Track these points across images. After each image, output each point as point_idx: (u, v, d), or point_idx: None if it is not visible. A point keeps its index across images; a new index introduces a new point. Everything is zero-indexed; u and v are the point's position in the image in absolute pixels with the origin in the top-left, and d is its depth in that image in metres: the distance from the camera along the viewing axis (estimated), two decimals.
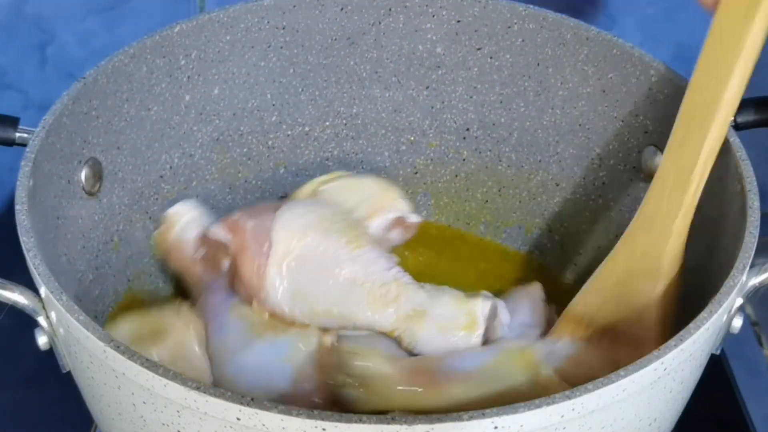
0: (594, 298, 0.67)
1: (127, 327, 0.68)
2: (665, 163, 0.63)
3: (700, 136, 0.61)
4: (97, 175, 0.71)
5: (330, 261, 0.68)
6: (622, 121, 0.76)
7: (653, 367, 0.52)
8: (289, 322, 0.67)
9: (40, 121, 0.65)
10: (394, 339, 0.68)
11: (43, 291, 0.57)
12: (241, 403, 0.49)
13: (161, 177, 0.77)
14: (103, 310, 0.73)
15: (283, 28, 0.78)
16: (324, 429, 0.48)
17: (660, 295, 0.63)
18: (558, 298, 0.73)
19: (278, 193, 0.84)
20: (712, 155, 0.62)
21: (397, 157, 0.85)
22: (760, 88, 0.93)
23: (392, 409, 0.62)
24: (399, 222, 0.75)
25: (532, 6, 0.77)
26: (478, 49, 0.80)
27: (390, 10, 0.80)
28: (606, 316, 0.66)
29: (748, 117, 0.73)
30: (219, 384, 0.64)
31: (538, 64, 0.79)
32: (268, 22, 0.78)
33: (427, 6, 0.80)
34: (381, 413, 0.61)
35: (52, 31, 0.93)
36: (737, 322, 0.61)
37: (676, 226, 0.63)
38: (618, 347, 0.64)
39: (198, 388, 0.49)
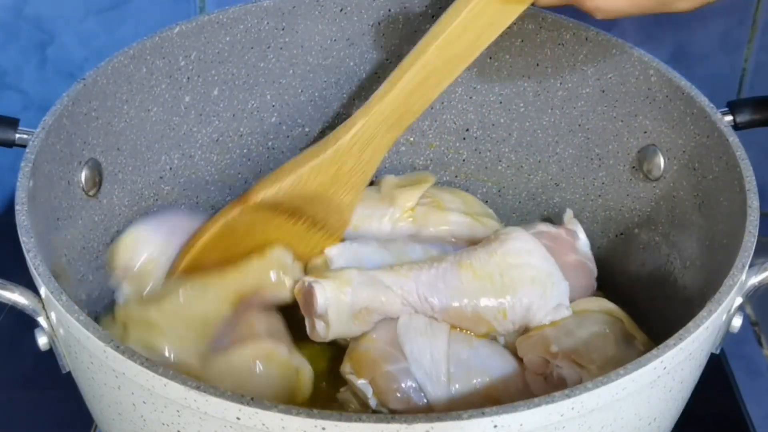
0: (288, 191, 0.72)
1: None
2: (385, 91, 0.72)
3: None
4: (97, 176, 0.71)
5: None
6: (622, 121, 0.76)
7: (653, 366, 0.52)
8: None
9: (40, 122, 0.65)
10: None
11: (43, 291, 0.57)
12: (241, 403, 0.49)
13: (161, 178, 0.77)
14: (103, 311, 0.73)
15: (283, 29, 0.78)
16: (324, 428, 0.48)
17: (355, 203, 0.76)
18: None
19: None
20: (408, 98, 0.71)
21: (396, 157, 0.85)
22: (760, 88, 0.93)
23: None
24: None
25: (531, 6, 0.77)
26: None
27: (389, 11, 0.80)
28: (294, 203, 0.73)
29: (748, 117, 0.73)
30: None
31: (538, 65, 0.79)
32: (268, 23, 0.78)
33: (426, 7, 0.80)
34: None
35: (52, 32, 0.93)
36: (737, 322, 0.62)
37: (381, 150, 0.74)
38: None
39: (198, 388, 0.49)
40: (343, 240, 0.77)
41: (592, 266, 0.76)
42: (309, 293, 0.69)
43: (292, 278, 0.72)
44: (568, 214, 0.78)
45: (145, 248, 0.71)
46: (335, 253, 0.74)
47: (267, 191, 0.72)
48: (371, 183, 0.78)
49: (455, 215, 0.78)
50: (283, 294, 0.72)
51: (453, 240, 0.77)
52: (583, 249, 0.75)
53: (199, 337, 0.67)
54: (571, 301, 0.71)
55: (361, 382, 0.66)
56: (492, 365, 0.67)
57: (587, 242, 0.76)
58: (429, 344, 0.67)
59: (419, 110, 0.73)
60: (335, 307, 0.68)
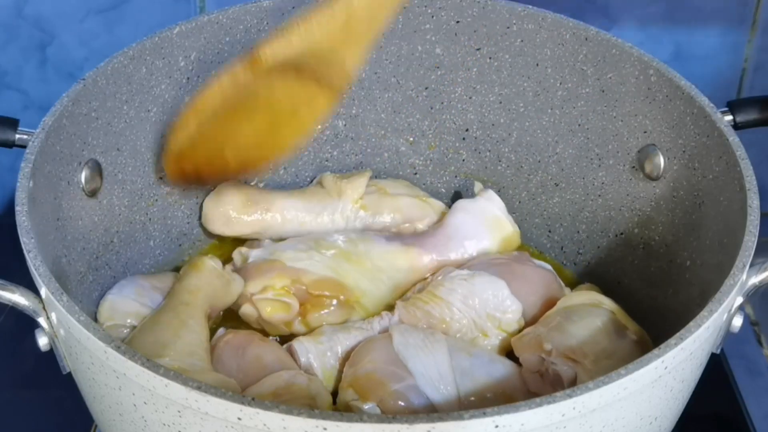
0: (290, 48, 0.68)
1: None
2: None
3: None
4: (97, 176, 0.71)
5: None
6: (621, 120, 0.76)
7: (654, 365, 0.52)
8: None
9: (40, 123, 0.65)
10: None
11: (43, 292, 0.57)
12: (242, 403, 0.49)
13: (161, 178, 0.77)
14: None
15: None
16: (325, 428, 0.48)
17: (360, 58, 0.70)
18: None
19: None
20: None
21: (396, 158, 0.85)
22: (760, 88, 0.94)
23: None
24: None
25: (530, 6, 0.77)
26: (477, 49, 0.80)
27: None
28: (297, 60, 0.68)
29: (748, 117, 0.73)
30: None
31: (537, 65, 0.79)
32: (268, 24, 0.78)
33: (426, 7, 0.80)
34: None
35: (52, 31, 0.93)
36: (737, 321, 0.62)
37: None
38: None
39: (199, 388, 0.49)
40: (341, 96, 0.73)
41: (552, 271, 0.76)
42: (291, 352, 0.70)
43: (231, 279, 0.72)
44: (478, 186, 0.80)
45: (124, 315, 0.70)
46: (255, 252, 0.75)
47: (276, 44, 0.68)
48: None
49: (405, 199, 0.80)
50: (232, 297, 0.72)
51: (407, 226, 0.80)
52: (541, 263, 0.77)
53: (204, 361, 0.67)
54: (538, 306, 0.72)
55: (368, 407, 0.64)
56: (494, 370, 0.66)
57: (501, 203, 0.78)
58: (432, 358, 0.66)
59: None
60: (319, 360, 0.69)
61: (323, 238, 0.76)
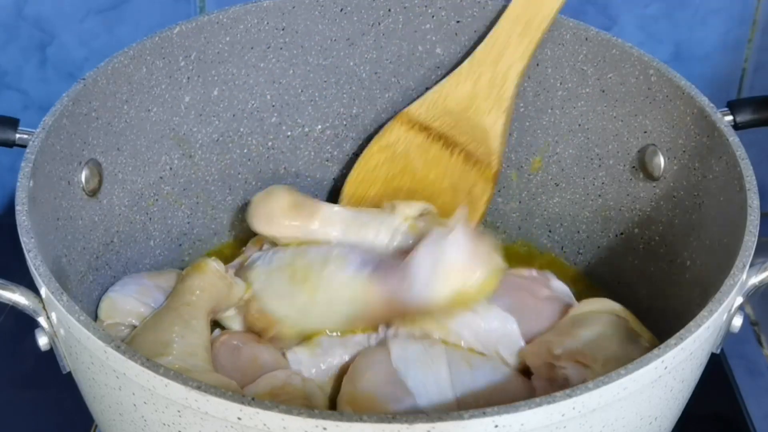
0: (433, 108, 0.79)
1: None
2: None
3: None
4: (97, 176, 0.71)
5: None
6: (622, 120, 0.76)
7: (654, 365, 0.52)
8: None
9: (40, 123, 0.65)
10: None
11: (43, 291, 0.57)
12: (242, 403, 0.49)
13: (161, 178, 0.77)
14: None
15: (283, 29, 0.78)
16: (325, 428, 0.48)
17: (504, 124, 0.77)
18: None
19: None
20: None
21: None
22: (760, 88, 0.94)
23: None
24: None
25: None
26: None
27: (389, 10, 0.80)
28: (443, 126, 0.78)
29: (748, 117, 0.73)
30: None
31: (538, 65, 0.79)
32: (268, 23, 0.78)
33: (426, 7, 0.80)
34: None
35: (52, 31, 0.93)
36: (737, 321, 0.62)
37: (518, 63, 0.76)
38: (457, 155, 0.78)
39: (199, 388, 0.49)
40: (496, 180, 0.79)
41: (569, 300, 0.73)
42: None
43: (233, 282, 0.71)
44: (457, 215, 0.69)
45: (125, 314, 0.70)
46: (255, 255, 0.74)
47: (412, 106, 0.79)
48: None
49: None
50: (234, 300, 0.71)
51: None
52: (560, 287, 0.74)
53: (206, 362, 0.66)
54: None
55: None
56: (494, 382, 0.65)
57: (468, 246, 0.68)
58: (431, 373, 0.64)
59: (549, 12, 0.75)
60: (312, 371, 0.68)
61: (301, 254, 0.73)
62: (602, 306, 0.70)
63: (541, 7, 0.75)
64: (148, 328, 0.67)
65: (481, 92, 0.77)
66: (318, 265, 0.70)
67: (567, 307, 0.71)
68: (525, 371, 0.68)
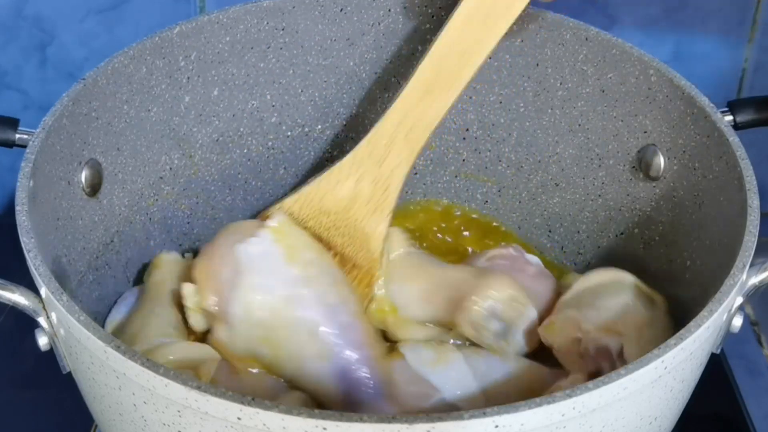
0: (307, 206, 0.72)
1: None
2: (397, 95, 0.70)
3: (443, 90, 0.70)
4: (97, 176, 0.71)
5: None
6: (621, 120, 0.76)
7: (654, 365, 0.52)
8: None
9: (40, 123, 0.65)
10: None
11: (43, 292, 0.57)
12: (242, 403, 0.49)
13: (161, 178, 0.77)
14: (103, 312, 0.73)
15: (283, 29, 0.79)
16: (325, 428, 0.48)
17: (387, 228, 0.70)
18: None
19: (278, 194, 0.83)
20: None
21: None
22: (760, 88, 0.94)
23: None
24: None
25: (531, 6, 0.77)
26: None
27: (389, 10, 0.80)
28: (317, 226, 0.71)
29: (748, 117, 0.73)
30: None
31: (538, 65, 0.79)
32: (268, 23, 0.78)
33: (426, 7, 0.80)
34: None
35: (52, 31, 0.93)
36: (737, 321, 0.62)
37: (403, 165, 0.70)
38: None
39: (199, 388, 0.49)
40: (376, 289, 0.71)
41: (548, 272, 0.76)
42: None
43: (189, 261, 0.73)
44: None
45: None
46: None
47: (287, 201, 0.72)
48: None
49: None
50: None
51: None
52: (534, 260, 0.76)
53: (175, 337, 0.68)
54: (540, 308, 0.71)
55: None
56: (508, 366, 0.66)
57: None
58: (451, 368, 0.65)
59: (434, 118, 0.71)
60: None
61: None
62: (614, 276, 0.70)
63: (425, 112, 0.70)
64: (120, 331, 0.69)
65: (363, 194, 0.70)
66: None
67: (551, 280, 0.74)
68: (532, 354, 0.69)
